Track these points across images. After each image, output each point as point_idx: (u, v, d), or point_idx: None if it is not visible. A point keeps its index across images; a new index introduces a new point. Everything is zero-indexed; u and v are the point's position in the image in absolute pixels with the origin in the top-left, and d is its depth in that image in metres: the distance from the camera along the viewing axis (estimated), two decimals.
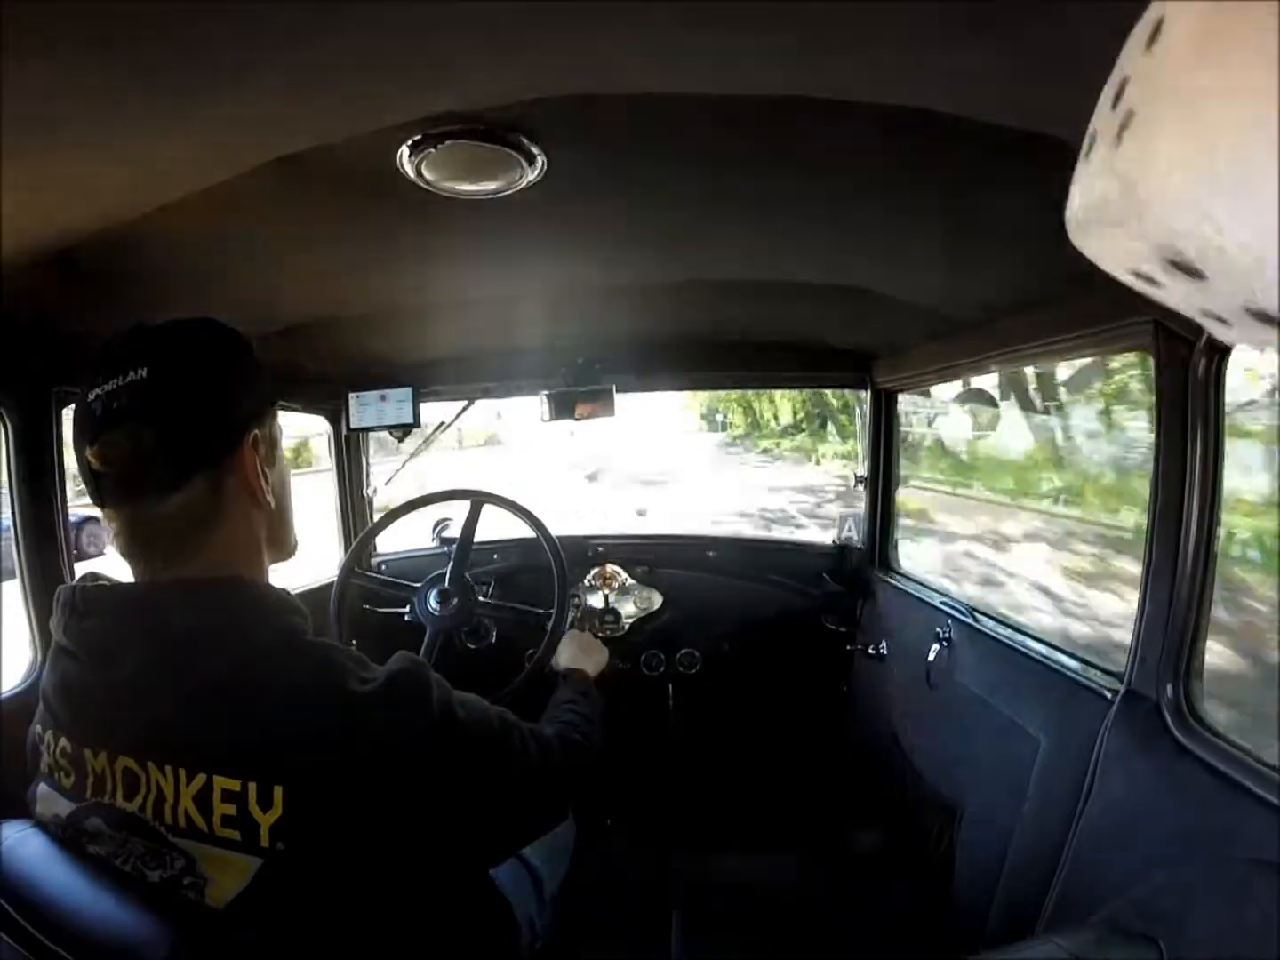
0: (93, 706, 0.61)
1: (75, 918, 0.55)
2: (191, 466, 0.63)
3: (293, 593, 0.69)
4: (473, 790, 0.66)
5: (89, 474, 0.63)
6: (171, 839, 0.57)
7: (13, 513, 1.04)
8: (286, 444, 0.77)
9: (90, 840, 0.61)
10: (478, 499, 1.52)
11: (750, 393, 11.38)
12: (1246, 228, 0.19)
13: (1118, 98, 0.23)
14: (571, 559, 1.54)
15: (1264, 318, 0.20)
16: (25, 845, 0.61)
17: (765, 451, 14.80)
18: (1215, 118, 0.19)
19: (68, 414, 1.04)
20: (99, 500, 0.64)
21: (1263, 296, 0.20)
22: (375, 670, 0.64)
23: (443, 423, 2.08)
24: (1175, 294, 0.22)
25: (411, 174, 0.76)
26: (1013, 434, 5.65)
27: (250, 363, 0.70)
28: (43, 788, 0.65)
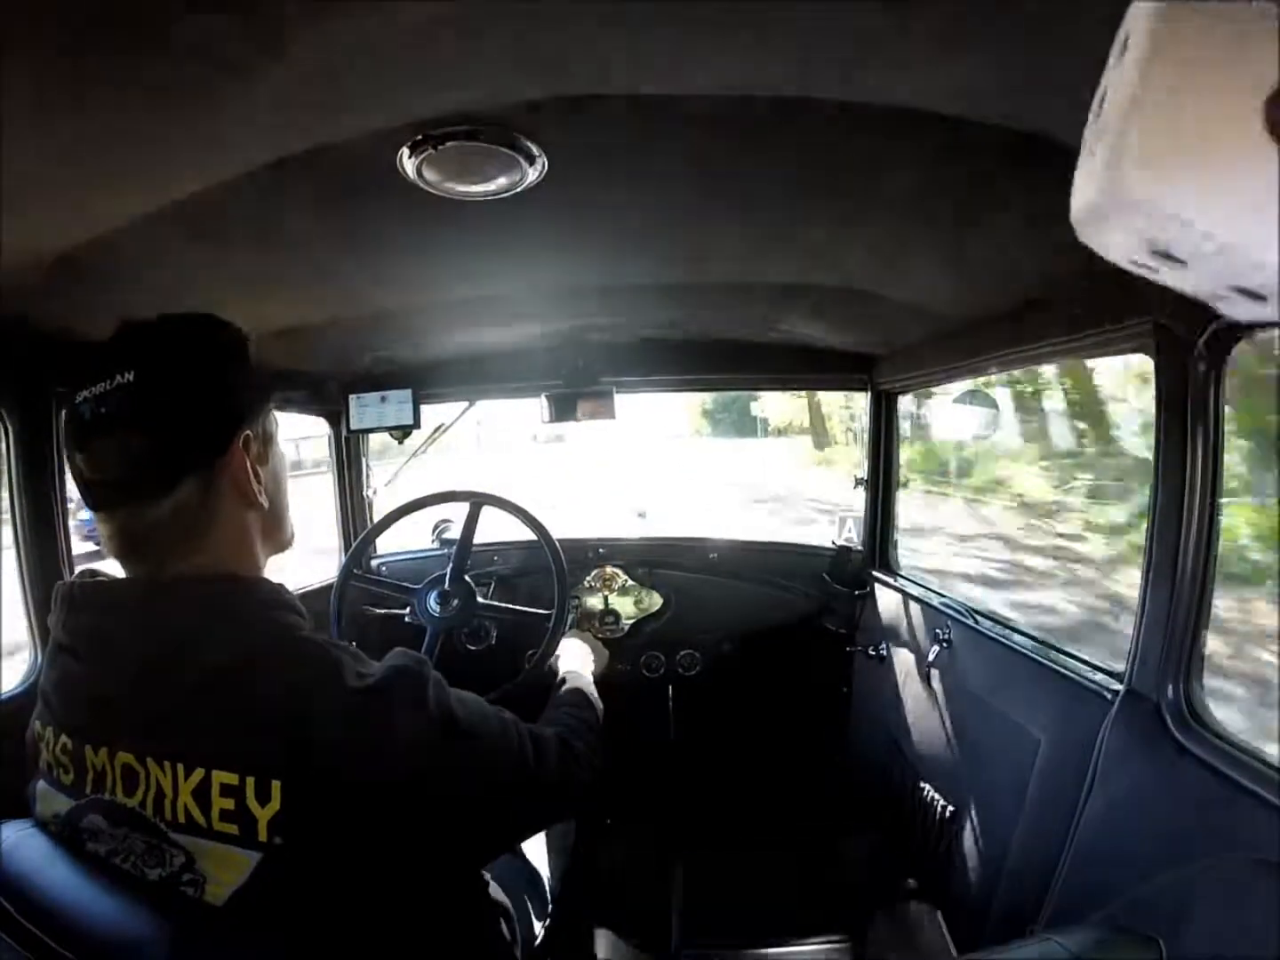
0: (92, 702, 0.61)
1: (75, 916, 0.55)
2: (182, 470, 0.63)
3: (291, 591, 0.69)
4: (469, 786, 0.66)
5: (80, 480, 0.63)
6: (171, 835, 0.57)
7: (13, 513, 1.04)
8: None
9: (90, 838, 0.61)
10: (477, 500, 1.51)
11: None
12: (1210, 220, 0.20)
13: (1100, 106, 0.24)
14: (571, 561, 1.54)
15: (1254, 295, 0.21)
16: (25, 844, 0.61)
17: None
18: (1174, 121, 0.20)
19: (64, 415, 1.04)
20: (91, 504, 0.64)
21: (1245, 278, 0.21)
22: (373, 666, 0.64)
23: (442, 424, 2.08)
24: (1170, 278, 0.24)
25: (411, 174, 0.76)
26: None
27: (241, 358, 0.69)
28: (42, 785, 0.65)
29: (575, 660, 1.25)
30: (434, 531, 1.94)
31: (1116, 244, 0.24)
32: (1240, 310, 0.23)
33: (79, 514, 1.07)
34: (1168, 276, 0.23)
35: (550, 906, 1.16)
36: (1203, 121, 0.20)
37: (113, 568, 0.68)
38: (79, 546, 1.11)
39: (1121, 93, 0.22)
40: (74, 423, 0.62)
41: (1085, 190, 0.24)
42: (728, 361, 1.93)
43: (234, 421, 0.66)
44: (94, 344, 0.64)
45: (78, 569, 1.03)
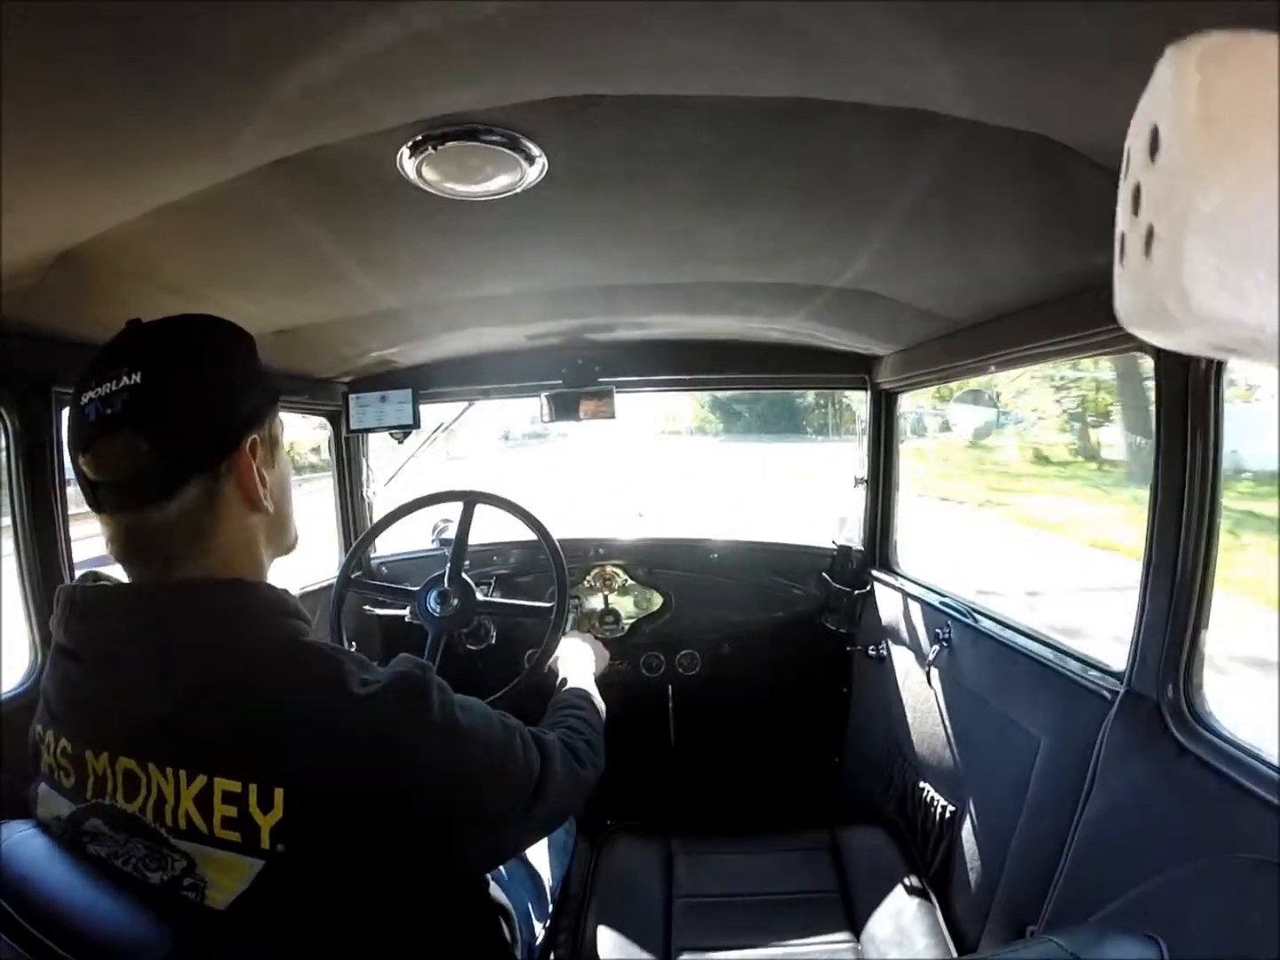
0: (93, 707, 0.61)
1: (76, 918, 0.55)
2: (187, 473, 0.62)
3: (293, 594, 0.69)
4: (474, 793, 0.66)
5: (84, 481, 0.62)
6: (172, 841, 0.57)
7: (13, 513, 1.04)
8: None
9: (91, 841, 0.61)
10: (470, 499, 1.51)
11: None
12: None
13: (1136, 202, 0.23)
14: (571, 560, 1.54)
15: None
16: (26, 845, 0.61)
17: None
18: (1246, 236, 0.19)
19: (68, 414, 1.04)
20: (94, 506, 0.63)
21: None
22: (377, 672, 0.64)
23: (441, 424, 2.09)
24: (1242, 358, 0.23)
25: (412, 175, 0.76)
26: None
27: (250, 362, 0.69)
28: (43, 788, 0.65)
29: (575, 660, 1.25)
30: (433, 532, 1.95)
31: (1178, 345, 0.23)
32: None
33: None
34: (1233, 359, 0.23)
35: (550, 907, 1.16)
36: (1264, 240, 0.19)
37: (115, 571, 0.68)
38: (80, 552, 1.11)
39: (1167, 200, 0.21)
40: (79, 423, 0.61)
41: (1134, 298, 0.23)
42: (728, 361, 1.93)
43: (241, 425, 0.66)
44: (100, 344, 0.64)
45: (80, 571, 1.03)
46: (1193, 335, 0.21)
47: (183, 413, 0.62)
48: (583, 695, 1.05)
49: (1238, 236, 0.19)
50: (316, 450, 2.12)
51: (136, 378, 0.60)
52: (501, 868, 1.05)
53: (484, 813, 0.68)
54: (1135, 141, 0.22)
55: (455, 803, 0.64)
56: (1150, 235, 0.22)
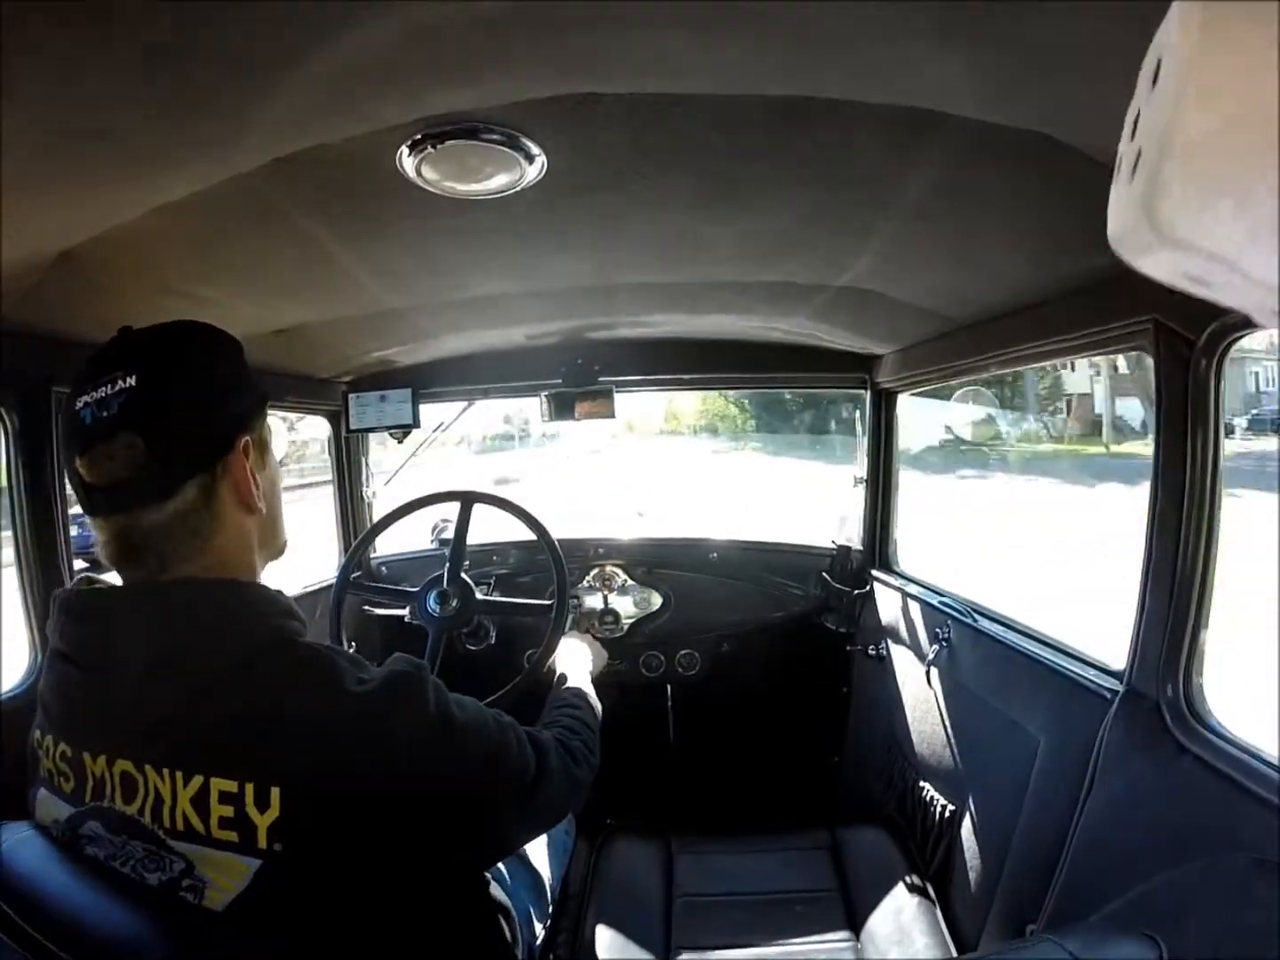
0: (90, 710, 0.61)
1: (74, 920, 0.55)
2: (184, 475, 0.63)
3: (290, 595, 0.69)
4: (469, 790, 0.66)
5: (79, 484, 0.62)
6: (170, 842, 0.57)
7: (12, 513, 1.03)
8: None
9: (89, 843, 0.61)
10: (468, 499, 1.51)
11: None
12: (1254, 263, 0.20)
13: (1134, 128, 0.24)
14: (571, 560, 1.54)
15: None
16: (24, 847, 0.61)
17: None
18: (1213, 163, 0.20)
19: (61, 420, 1.04)
20: (90, 509, 0.63)
21: None
22: (372, 671, 0.64)
23: (441, 424, 2.09)
24: (1209, 295, 0.23)
25: (411, 174, 0.76)
26: None
27: (240, 366, 0.69)
28: (42, 792, 0.65)
29: (574, 660, 1.25)
30: (433, 532, 1.95)
31: (1151, 267, 0.24)
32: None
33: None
34: (1206, 294, 0.23)
35: (550, 907, 1.16)
36: (1245, 160, 0.20)
37: (110, 576, 0.68)
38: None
39: (1155, 125, 0.22)
40: (74, 428, 0.61)
41: (1121, 216, 0.24)
42: (727, 361, 1.93)
43: (235, 426, 0.66)
44: (100, 344, 0.64)
45: (77, 575, 1.03)
46: (1164, 259, 0.22)
47: (179, 414, 0.62)
48: (579, 695, 1.05)
49: (1212, 166, 0.20)
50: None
51: (132, 380, 0.60)
52: (502, 867, 1.05)
53: (480, 809, 0.68)
54: (1144, 71, 0.23)
55: (451, 799, 0.64)
56: (1138, 157, 0.23)
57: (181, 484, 0.62)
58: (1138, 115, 0.23)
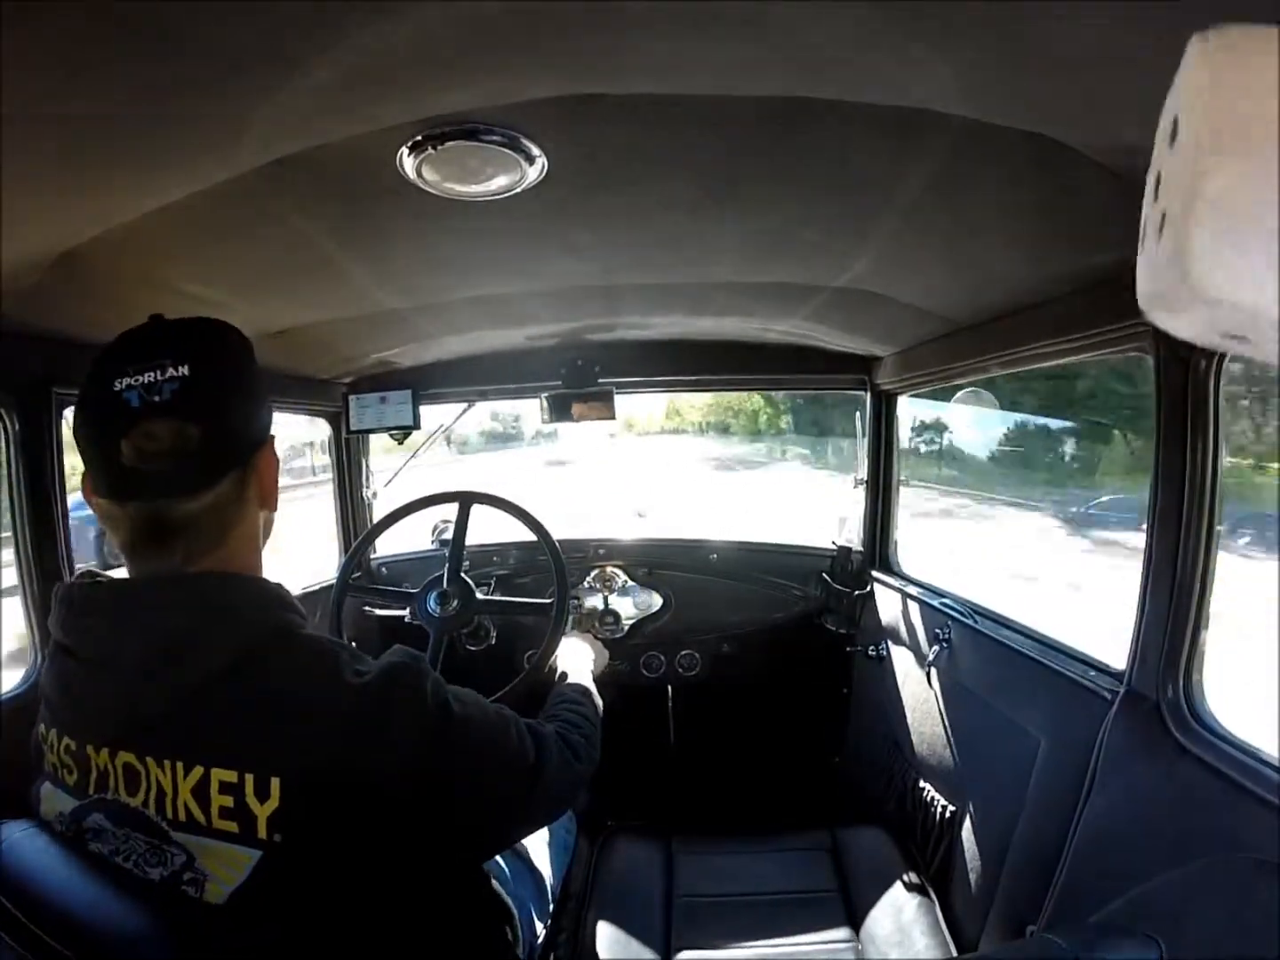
0: (92, 703, 0.61)
1: (76, 916, 0.55)
2: (227, 465, 0.64)
3: (289, 590, 0.69)
4: (468, 780, 0.66)
5: (111, 465, 0.60)
6: (172, 834, 0.58)
7: (12, 513, 1.04)
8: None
9: (93, 837, 0.61)
10: (466, 499, 1.51)
11: None
12: None
13: (1157, 189, 0.24)
14: (571, 561, 1.53)
15: None
16: (26, 844, 0.61)
17: None
18: (1245, 219, 0.20)
19: (68, 414, 1.04)
20: (117, 493, 0.61)
21: None
22: (370, 663, 0.65)
23: (442, 424, 2.09)
24: (1242, 350, 0.23)
25: (411, 175, 0.76)
26: None
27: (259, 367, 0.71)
28: (47, 786, 0.65)
29: (575, 660, 1.25)
30: (433, 532, 1.95)
31: (1187, 329, 0.23)
32: None
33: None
34: (1247, 351, 0.23)
35: (551, 906, 1.16)
36: (1272, 207, 0.20)
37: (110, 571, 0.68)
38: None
39: (1178, 183, 0.22)
40: (114, 407, 0.60)
41: (1152, 278, 0.24)
42: (728, 361, 1.94)
43: (269, 423, 0.69)
44: (100, 344, 0.64)
45: (78, 569, 1.03)
46: (1198, 317, 0.22)
47: (232, 408, 0.64)
48: (580, 691, 1.05)
49: (1238, 221, 0.20)
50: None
51: (185, 370, 0.60)
52: (504, 866, 1.05)
53: (480, 800, 0.68)
54: (1161, 131, 0.23)
55: (451, 790, 0.64)
56: (1164, 218, 0.22)
57: (223, 476, 0.63)
58: (1159, 177, 0.23)
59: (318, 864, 0.58)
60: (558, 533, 1.46)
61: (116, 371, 0.60)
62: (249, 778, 0.56)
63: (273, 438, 0.69)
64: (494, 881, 0.95)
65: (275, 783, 0.56)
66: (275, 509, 0.71)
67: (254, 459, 0.67)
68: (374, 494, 2.10)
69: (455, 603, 1.42)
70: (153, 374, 0.60)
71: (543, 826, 0.80)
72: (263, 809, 0.56)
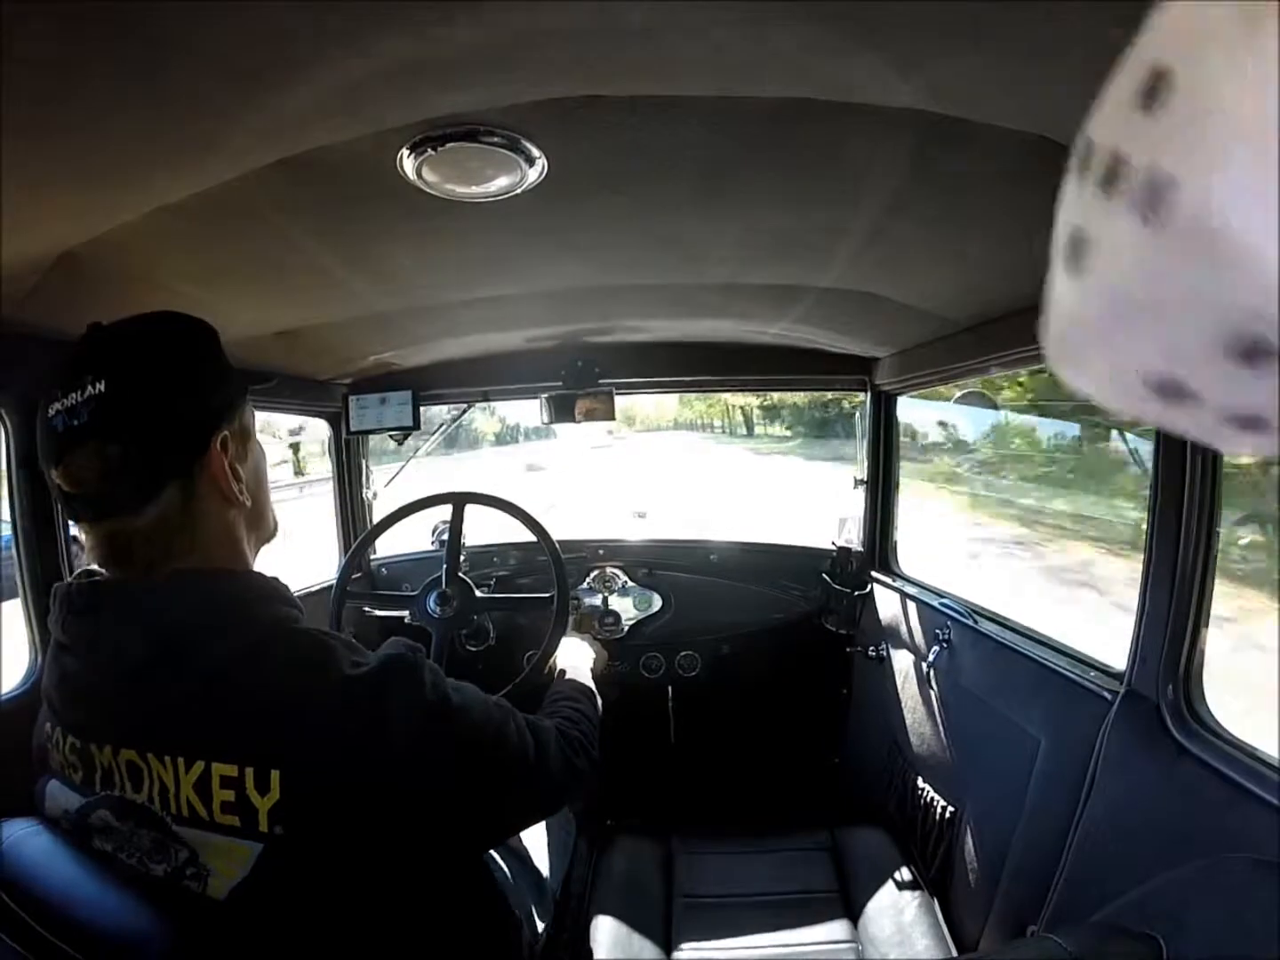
0: (93, 701, 0.62)
1: (78, 913, 0.55)
2: (162, 477, 0.62)
3: (285, 583, 0.69)
4: (467, 772, 0.66)
5: (58, 493, 0.62)
6: (175, 829, 0.58)
7: (12, 513, 1.03)
8: None
9: (98, 834, 0.61)
10: (459, 500, 1.51)
11: None
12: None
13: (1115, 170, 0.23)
14: (571, 561, 1.53)
15: (1252, 423, 0.20)
16: (28, 842, 0.61)
17: None
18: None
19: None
20: (72, 516, 0.64)
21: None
22: (368, 655, 0.65)
23: (443, 424, 2.09)
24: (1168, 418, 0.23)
25: (412, 176, 0.76)
26: None
27: (214, 357, 0.69)
28: (53, 784, 0.65)
29: (575, 660, 1.25)
30: (433, 533, 1.95)
31: (1178, 421, 0.23)
32: (1243, 444, 0.22)
33: None
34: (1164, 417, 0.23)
35: (552, 906, 1.16)
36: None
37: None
38: None
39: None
40: (48, 436, 0.61)
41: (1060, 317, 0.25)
42: (727, 362, 1.94)
43: (210, 423, 0.66)
44: (62, 351, 0.64)
45: (76, 569, 1.03)
46: (1190, 411, 0.22)
47: (152, 417, 0.61)
48: (580, 688, 1.05)
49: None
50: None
51: (101, 386, 0.59)
52: (504, 866, 1.05)
53: (479, 791, 0.68)
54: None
55: (448, 781, 0.64)
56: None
57: (160, 488, 0.62)
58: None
59: (319, 857, 0.58)
60: (558, 533, 1.47)
61: (50, 395, 0.61)
62: (249, 771, 0.56)
63: (225, 435, 0.66)
64: (495, 881, 0.95)
65: (275, 775, 0.56)
66: (243, 505, 0.68)
67: (200, 462, 0.64)
68: (374, 494, 2.10)
69: (455, 603, 1.43)
70: (75, 395, 0.60)
71: (541, 819, 0.80)
72: (264, 802, 0.56)
